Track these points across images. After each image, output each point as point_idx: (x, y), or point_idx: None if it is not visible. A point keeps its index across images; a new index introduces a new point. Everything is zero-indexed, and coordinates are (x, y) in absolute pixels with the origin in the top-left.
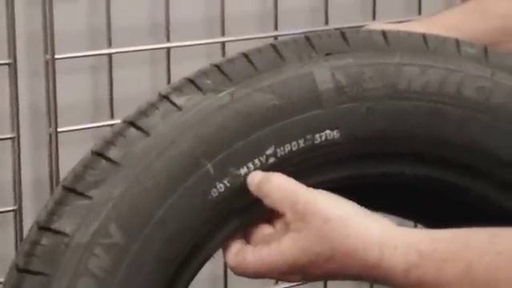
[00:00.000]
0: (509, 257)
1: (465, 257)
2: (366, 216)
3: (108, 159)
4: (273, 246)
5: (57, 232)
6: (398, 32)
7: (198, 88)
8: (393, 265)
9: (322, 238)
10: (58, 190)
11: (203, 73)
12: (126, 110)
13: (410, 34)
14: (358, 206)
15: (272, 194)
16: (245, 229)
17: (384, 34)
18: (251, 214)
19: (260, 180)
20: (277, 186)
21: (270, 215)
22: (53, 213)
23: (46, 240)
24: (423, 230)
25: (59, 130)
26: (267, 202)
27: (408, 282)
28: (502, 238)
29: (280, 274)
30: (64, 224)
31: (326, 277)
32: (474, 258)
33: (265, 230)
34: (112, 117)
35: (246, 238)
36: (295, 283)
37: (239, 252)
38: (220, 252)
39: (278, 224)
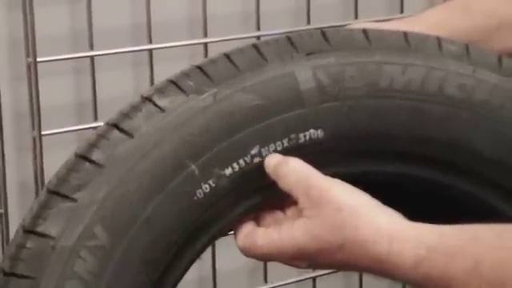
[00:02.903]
0: None
1: (473, 251)
2: (378, 207)
3: (92, 162)
4: (284, 230)
5: (42, 235)
6: (379, 31)
7: (181, 89)
8: (402, 258)
9: (333, 226)
10: (43, 194)
11: (185, 74)
12: (109, 112)
13: (391, 33)
14: (371, 198)
15: (287, 176)
16: (256, 212)
17: (365, 32)
18: (237, 213)
19: (277, 162)
20: (292, 170)
21: (282, 202)
22: (38, 216)
23: (32, 243)
24: (431, 225)
25: (43, 133)
26: (282, 184)
27: (416, 275)
28: (511, 234)
29: (288, 259)
30: (49, 227)
31: (333, 266)
32: (482, 252)
33: (277, 214)
34: (95, 119)
35: (257, 221)
36: (285, 282)
37: (250, 234)
38: (207, 253)
39: (290, 210)
